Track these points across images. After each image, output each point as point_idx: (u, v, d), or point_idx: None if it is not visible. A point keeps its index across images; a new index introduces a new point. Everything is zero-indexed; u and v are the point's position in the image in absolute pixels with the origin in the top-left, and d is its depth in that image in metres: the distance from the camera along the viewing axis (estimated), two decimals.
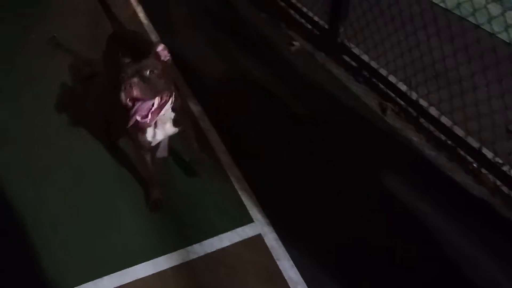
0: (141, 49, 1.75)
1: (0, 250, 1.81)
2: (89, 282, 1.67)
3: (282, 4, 3.45)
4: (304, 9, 3.19)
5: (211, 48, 3.07)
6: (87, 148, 2.24)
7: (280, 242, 1.84)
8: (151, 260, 1.75)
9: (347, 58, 2.86)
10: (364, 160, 2.26)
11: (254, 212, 1.95)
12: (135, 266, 1.73)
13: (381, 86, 2.63)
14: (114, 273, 1.70)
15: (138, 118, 1.48)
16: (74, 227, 1.88)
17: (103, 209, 1.96)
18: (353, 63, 2.81)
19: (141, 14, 3.37)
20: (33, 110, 2.46)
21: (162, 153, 2.15)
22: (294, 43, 3.08)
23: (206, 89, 2.70)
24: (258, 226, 1.90)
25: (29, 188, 2.04)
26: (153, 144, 1.76)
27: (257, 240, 1.85)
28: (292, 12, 3.33)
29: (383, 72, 2.61)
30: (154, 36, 3.11)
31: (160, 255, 1.77)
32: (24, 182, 2.07)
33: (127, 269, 1.72)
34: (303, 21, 3.22)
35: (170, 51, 1.63)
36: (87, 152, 2.22)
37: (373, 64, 2.68)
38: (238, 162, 2.20)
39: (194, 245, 1.81)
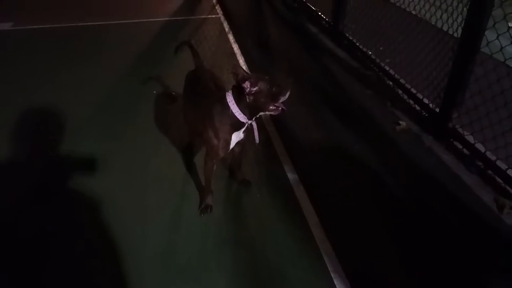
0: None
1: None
2: None
3: (389, 83, 3.43)
4: (413, 90, 3.13)
5: (313, 118, 3.11)
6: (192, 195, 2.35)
7: None
8: None
9: (458, 145, 2.68)
10: (472, 259, 2.01)
11: None
12: None
13: (499, 180, 2.40)
14: None
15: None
16: (167, 273, 1.92)
17: (193, 256, 2.01)
18: (466, 151, 2.63)
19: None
20: (149, 154, 2.70)
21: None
22: (400, 122, 3.00)
23: (305, 158, 2.70)
24: None
25: (131, 224, 2.16)
26: (230, 147, 2.07)
27: None
28: (399, 91, 3.28)
29: (502, 165, 2.39)
30: None
31: None
32: (127, 215, 2.21)
33: None
34: (411, 101, 3.14)
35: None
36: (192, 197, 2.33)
37: (490, 155, 2.47)
38: (330, 238, 2.11)
39: None
